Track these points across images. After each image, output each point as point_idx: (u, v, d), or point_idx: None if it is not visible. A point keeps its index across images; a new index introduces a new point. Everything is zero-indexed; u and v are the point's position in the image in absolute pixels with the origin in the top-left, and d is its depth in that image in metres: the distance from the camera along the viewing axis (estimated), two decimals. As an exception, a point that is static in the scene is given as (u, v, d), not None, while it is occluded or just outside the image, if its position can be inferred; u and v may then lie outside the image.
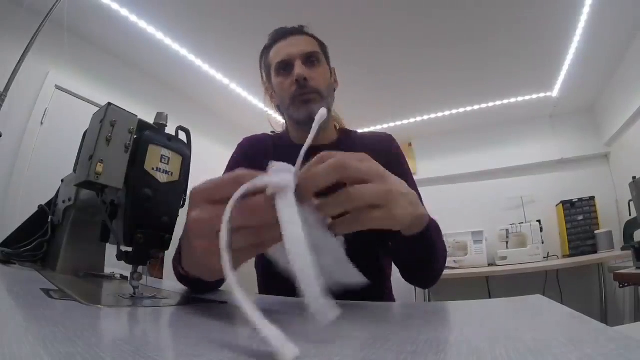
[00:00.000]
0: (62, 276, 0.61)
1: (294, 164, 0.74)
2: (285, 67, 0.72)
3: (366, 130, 3.36)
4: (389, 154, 0.78)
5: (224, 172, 0.77)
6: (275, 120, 0.95)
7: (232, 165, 0.79)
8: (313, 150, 0.82)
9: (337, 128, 0.85)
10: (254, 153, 0.79)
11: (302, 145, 0.80)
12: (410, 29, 2.06)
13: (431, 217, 0.46)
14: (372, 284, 0.35)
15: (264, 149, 0.79)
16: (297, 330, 0.29)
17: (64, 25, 1.68)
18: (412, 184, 0.77)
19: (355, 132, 0.85)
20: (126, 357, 0.18)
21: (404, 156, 0.80)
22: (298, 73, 0.69)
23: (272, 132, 0.90)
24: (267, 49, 0.79)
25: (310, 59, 0.73)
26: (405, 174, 0.78)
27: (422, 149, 3.51)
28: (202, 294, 0.54)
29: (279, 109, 0.82)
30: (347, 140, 0.80)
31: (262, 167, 0.62)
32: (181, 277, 0.55)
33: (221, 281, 0.53)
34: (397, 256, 0.58)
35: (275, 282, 0.70)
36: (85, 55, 2.13)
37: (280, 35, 0.76)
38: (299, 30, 0.77)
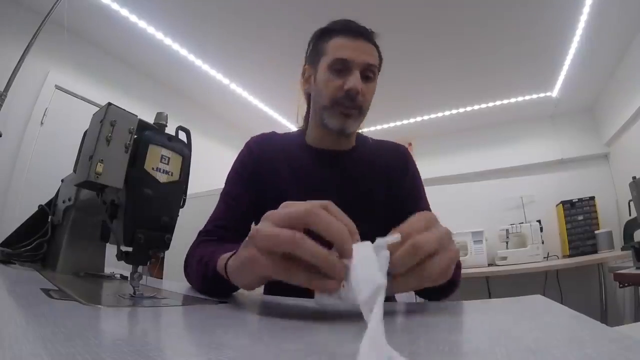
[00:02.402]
0: (62, 276, 0.61)
1: (309, 168, 0.72)
2: (343, 67, 0.66)
3: (366, 130, 3.36)
4: (405, 169, 0.77)
5: (231, 173, 0.75)
6: (286, 128, 0.92)
7: (238, 168, 0.76)
8: (331, 155, 0.81)
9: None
10: (263, 153, 0.75)
11: (318, 149, 0.77)
12: (410, 29, 2.06)
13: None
14: None
15: (273, 150, 0.76)
16: (298, 330, 0.29)
17: (64, 25, 1.68)
18: (425, 199, 0.77)
19: (371, 138, 0.83)
20: (126, 357, 0.18)
21: (418, 171, 0.80)
22: (354, 85, 0.65)
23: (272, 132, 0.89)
24: (326, 34, 0.71)
25: (367, 73, 0.68)
26: (419, 189, 0.77)
27: (422, 149, 3.50)
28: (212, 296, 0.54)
29: (309, 97, 0.77)
30: (362, 149, 0.78)
31: (271, 172, 0.63)
32: (202, 278, 0.54)
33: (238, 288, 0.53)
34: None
35: (280, 283, 0.70)
36: (85, 55, 2.13)
37: (350, 30, 0.69)
38: (369, 36, 0.70)
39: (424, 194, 0.78)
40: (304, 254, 0.29)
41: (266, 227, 0.32)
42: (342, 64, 0.66)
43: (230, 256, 0.41)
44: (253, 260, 0.33)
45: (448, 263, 0.33)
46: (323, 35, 0.72)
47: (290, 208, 0.32)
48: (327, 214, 0.30)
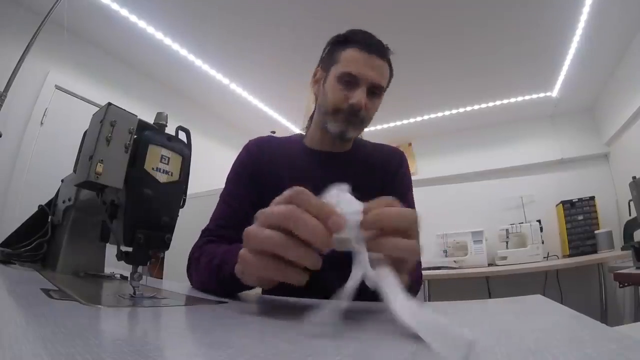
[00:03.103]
0: (62, 276, 0.61)
1: (308, 168, 0.75)
2: (351, 81, 0.68)
3: (366, 130, 3.36)
4: (398, 172, 0.79)
5: (230, 175, 0.77)
6: (286, 129, 0.94)
7: (238, 168, 0.77)
8: (328, 156, 0.83)
9: None
10: (262, 155, 0.77)
11: (318, 151, 0.79)
12: (410, 29, 2.06)
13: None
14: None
15: (271, 151, 0.77)
16: (298, 330, 0.29)
17: (64, 25, 1.68)
18: (412, 201, 0.78)
19: (368, 142, 0.85)
20: (126, 357, 0.18)
21: (410, 175, 0.81)
22: (358, 101, 0.67)
23: (272, 132, 0.90)
24: (343, 43, 0.72)
25: (374, 90, 0.70)
26: (408, 191, 0.79)
27: (422, 149, 3.51)
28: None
29: (317, 99, 0.79)
30: (360, 151, 0.80)
31: (271, 172, 0.64)
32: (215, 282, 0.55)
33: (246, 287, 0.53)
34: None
35: (282, 285, 0.71)
36: (85, 55, 2.13)
37: (366, 44, 0.70)
38: (383, 53, 0.71)
39: (412, 196, 0.79)
40: (289, 255, 0.31)
41: (254, 228, 0.34)
42: (351, 77, 0.68)
43: None
44: (245, 261, 0.34)
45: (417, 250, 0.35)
46: (339, 42, 0.73)
47: (270, 209, 0.33)
48: (302, 215, 0.31)
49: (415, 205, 0.78)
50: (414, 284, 0.62)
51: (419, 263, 0.66)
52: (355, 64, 0.68)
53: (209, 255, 0.58)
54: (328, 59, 0.74)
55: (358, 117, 0.69)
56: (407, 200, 0.76)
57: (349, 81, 0.68)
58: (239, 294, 0.54)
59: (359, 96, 0.67)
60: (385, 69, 0.71)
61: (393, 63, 0.77)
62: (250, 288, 0.50)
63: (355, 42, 0.70)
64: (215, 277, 0.53)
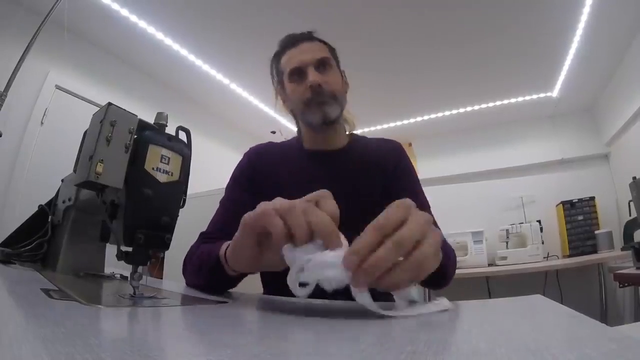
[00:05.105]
0: (62, 276, 0.61)
1: (305, 169, 0.77)
2: (299, 73, 0.73)
3: (366, 130, 3.38)
4: (399, 165, 0.78)
5: (230, 182, 0.79)
6: (286, 129, 0.97)
7: (237, 174, 0.79)
8: (324, 155, 0.85)
9: (347, 132, 0.85)
10: (262, 160, 0.79)
11: (313, 151, 0.82)
12: (410, 29, 2.06)
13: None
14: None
15: (271, 157, 0.80)
16: (298, 330, 0.29)
17: (64, 25, 1.68)
18: (422, 193, 0.77)
19: (365, 137, 0.85)
20: (126, 357, 0.18)
21: (412, 166, 0.81)
22: (312, 80, 0.71)
23: (272, 132, 0.92)
24: (277, 56, 0.80)
25: (322, 65, 0.74)
26: (415, 182, 0.78)
27: (422, 149, 3.51)
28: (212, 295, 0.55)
29: (293, 113, 0.83)
30: (357, 147, 0.80)
31: (270, 176, 0.65)
32: (207, 276, 0.57)
33: (237, 281, 0.55)
34: None
35: (279, 283, 0.71)
36: (85, 55, 2.13)
37: (291, 42, 0.77)
38: (309, 37, 0.77)
39: (420, 188, 0.79)
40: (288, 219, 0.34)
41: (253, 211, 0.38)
42: (297, 70, 0.74)
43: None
44: (241, 237, 0.39)
45: (435, 248, 0.33)
46: (275, 58, 0.81)
47: (277, 201, 0.36)
48: (305, 211, 0.33)
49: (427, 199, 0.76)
50: (450, 264, 0.62)
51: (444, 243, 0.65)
52: (292, 59, 0.74)
53: (201, 249, 0.61)
54: (277, 77, 0.81)
55: (324, 93, 0.72)
56: (416, 196, 0.73)
57: (298, 75, 0.74)
58: (239, 294, 0.54)
59: (311, 77, 0.71)
60: (318, 46, 0.76)
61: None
62: (240, 276, 0.52)
63: (284, 47, 0.78)
64: (202, 265, 0.55)
